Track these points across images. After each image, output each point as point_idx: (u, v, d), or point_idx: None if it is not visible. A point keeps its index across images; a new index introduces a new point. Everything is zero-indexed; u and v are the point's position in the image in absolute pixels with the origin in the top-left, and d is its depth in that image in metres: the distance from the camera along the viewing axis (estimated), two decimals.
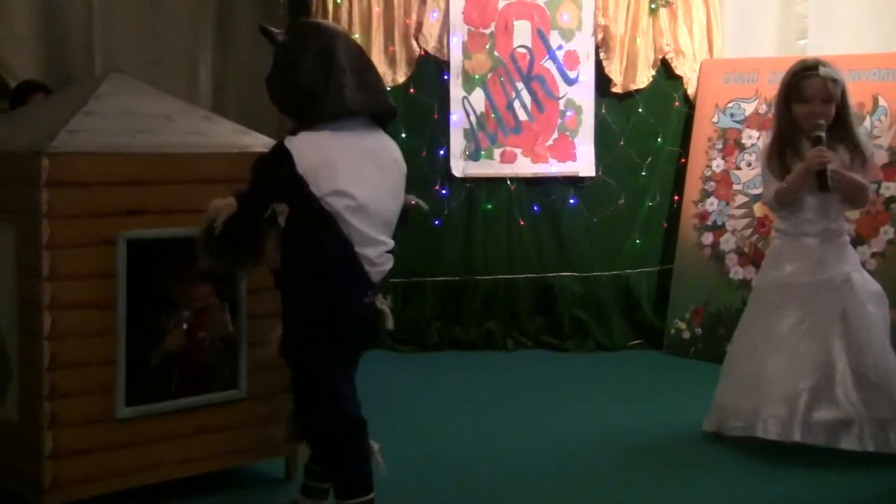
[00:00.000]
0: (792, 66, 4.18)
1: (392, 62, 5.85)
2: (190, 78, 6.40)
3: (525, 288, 6.03)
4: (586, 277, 6.06)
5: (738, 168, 5.80)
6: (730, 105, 5.90)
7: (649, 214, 6.14)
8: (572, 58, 5.95)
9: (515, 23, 5.89)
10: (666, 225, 6.14)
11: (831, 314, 4.04)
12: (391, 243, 3.12)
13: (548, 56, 5.93)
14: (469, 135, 5.90)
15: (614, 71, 5.99)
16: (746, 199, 5.71)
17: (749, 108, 5.83)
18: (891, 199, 5.23)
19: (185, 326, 3.55)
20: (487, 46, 5.89)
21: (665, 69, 6.09)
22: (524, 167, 5.95)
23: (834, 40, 5.97)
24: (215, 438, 3.50)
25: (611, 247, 6.10)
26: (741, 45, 6.27)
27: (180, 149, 3.40)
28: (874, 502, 3.74)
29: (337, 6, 5.82)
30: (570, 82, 5.96)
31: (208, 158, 3.42)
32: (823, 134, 4.00)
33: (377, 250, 3.05)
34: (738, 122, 5.86)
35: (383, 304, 3.10)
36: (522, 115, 5.93)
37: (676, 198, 6.10)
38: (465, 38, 5.87)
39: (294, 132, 3.04)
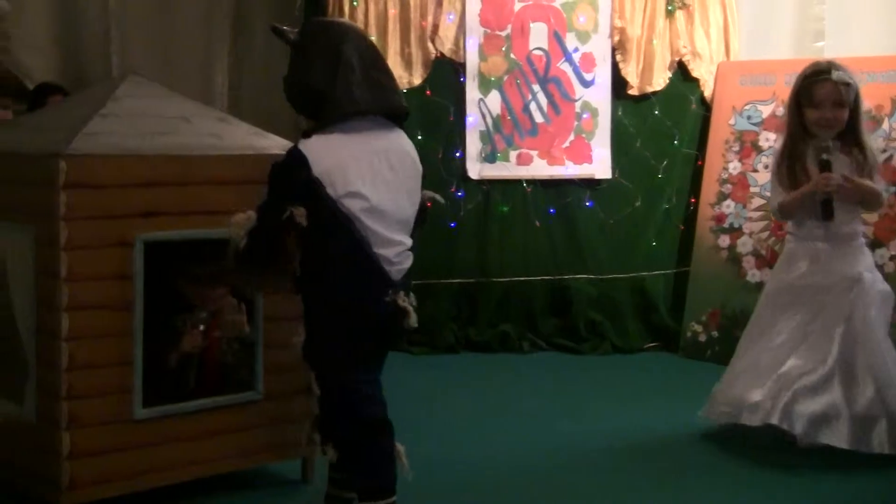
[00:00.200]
0: (804, 69, 4.13)
1: (408, 64, 5.86)
2: (205, 79, 6.43)
3: (540, 290, 6.02)
4: (602, 279, 6.05)
5: (755, 170, 5.77)
6: (746, 107, 5.88)
7: (665, 217, 6.12)
8: (588, 60, 5.94)
9: (532, 25, 5.89)
10: (682, 227, 6.12)
11: (837, 316, 4.03)
12: (409, 242, 3.10)
13: (564, 58, 5.92)
14: (485, 137, 5.90)
15: (631, 73, 5.97)
16: (763, 201, 5.69)
17: (766, 111, 5.80)
18: None
19: (201, 327, 3.55)
20: (503, 48, 5.89)
21: (682, 71, 6.06)
22: (540, 169, 5.94)
23: (851, 42, 5.95)
24: (232, 439, 3.50)
25: (627, 249, 6.08)
26: (758, 48, 6.24)
27: (197, 151, 3.41)
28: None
29: (353, 7, 5.83)
30: (587, 84, 5.95)
31: (224, 160, 3.43)
32: (830, 158, 3.96)
33: (395, 250, 3.05)
34: (754, 124, 5.84)
35: (405, 301, 3.07)
36: (539, 118, 5.93)
37: (693, 200, 6.08)
38: (482, 40, 5.87)
39: (307, 134, 3.03)
